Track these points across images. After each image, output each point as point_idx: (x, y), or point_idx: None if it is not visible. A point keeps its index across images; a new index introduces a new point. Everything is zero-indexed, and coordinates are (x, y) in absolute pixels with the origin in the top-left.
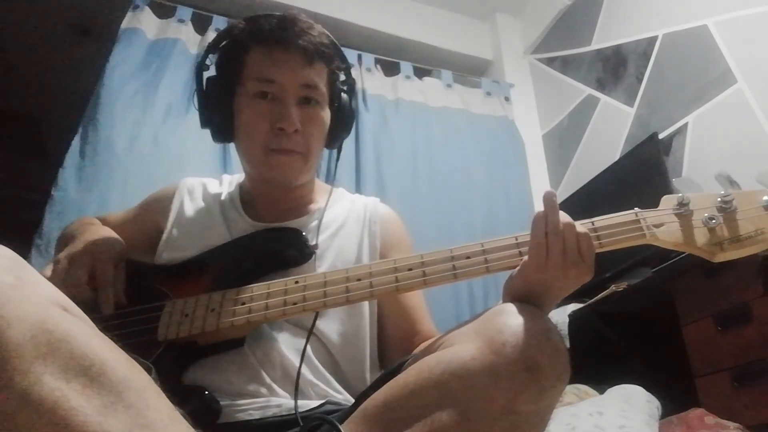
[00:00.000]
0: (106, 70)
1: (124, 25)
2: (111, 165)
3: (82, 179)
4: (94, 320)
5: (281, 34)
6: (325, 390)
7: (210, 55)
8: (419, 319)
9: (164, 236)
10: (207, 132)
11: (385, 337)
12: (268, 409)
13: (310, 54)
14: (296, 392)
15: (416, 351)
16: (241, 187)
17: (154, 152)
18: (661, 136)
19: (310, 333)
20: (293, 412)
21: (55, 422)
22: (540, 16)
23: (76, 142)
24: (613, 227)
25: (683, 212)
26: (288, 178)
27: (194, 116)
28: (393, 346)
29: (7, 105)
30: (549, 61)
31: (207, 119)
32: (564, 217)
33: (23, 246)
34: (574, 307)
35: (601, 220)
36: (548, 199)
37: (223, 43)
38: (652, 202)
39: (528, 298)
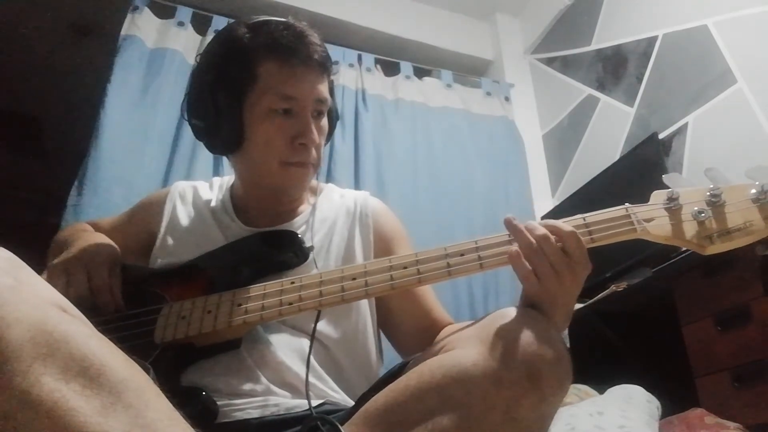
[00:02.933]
0: (108, 93)
1: (123, 30)
2: (111, 208)
3: (79, 218)
4: (92, 323)
5: (299, 49)
6: (324, 390)
7: (208, 61)
8: (433, 308)
9: (158, 241)
10: (198, 155)
11: (401, 331)
12: (267, 409)
13: (323, 68)
14: (307, 390)
15: (441, 336)
16: (232, 191)
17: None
18: (661, 136)
19: (313, 335)
20: (291, 411)
21: (54, 423)
22: (540, 16)
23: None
24: (604, 222)
25: (673, 206)
26: (300, 189)
27: (187, 143)
28: (413, 337)
29: (7, 105)
30: (549, 61)
31: (209, 130)
32: (536, 230)
33: (23, 247)
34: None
35: (592, 216)
36: (509, 225)
37: (227, 52)
38: None
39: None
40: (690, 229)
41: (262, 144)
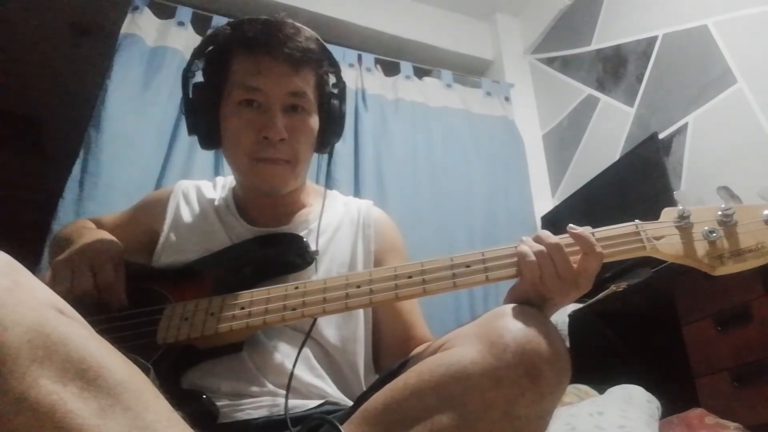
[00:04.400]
0: (108, 89)
1: (123, 30)
2: (111, 204)
3: (80, 213)
4: (92, 323)
5: (266, 41)
6: (324, 390)
7: (196, 61)
8: (414, 324)
9: (161, 240)
10: (197, 152)
11: (379, 342)
12: (267, 409)
13: (296, 61)
14: (287, 393)
15: (414, 353)
16: (234, 191)
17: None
18: (661, 136)
19: (307, 337)
20: (291, 411)
21: (52, 426)
22: (540, 16)
23: (76, 169)
24: (614, 239)
25: (684, 225)
26: (274, 187)
27: (186, 139)
28: (387, 350)
29: (7, 105)
30: (549, 61)
31: (194, 126)
32: (549, 238)
33: (23, 246)
34: (574, 307)
35: (602, 231)
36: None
37: (209, 48)
38: (652, 203)
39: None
40: (701, 248)
41: (232, 138)
